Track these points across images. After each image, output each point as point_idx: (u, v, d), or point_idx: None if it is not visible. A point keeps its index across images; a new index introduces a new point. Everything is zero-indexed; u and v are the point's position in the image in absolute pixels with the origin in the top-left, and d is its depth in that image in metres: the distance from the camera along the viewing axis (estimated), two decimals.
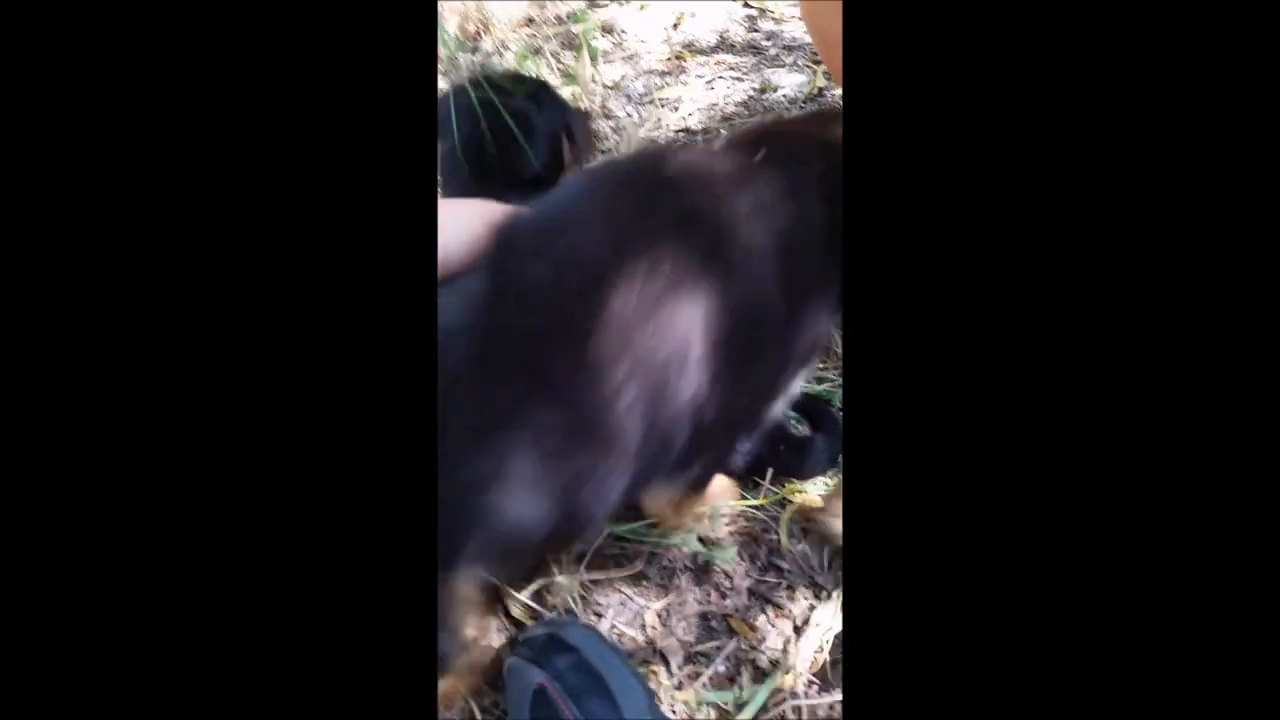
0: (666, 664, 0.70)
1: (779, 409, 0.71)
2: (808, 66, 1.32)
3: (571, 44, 1.38)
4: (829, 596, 0.73)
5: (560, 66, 1.33)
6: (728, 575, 0.75)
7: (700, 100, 1.28)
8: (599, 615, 0.73)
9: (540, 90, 0.96)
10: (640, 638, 0.72)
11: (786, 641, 0.70)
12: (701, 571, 0.75)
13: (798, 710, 0.66)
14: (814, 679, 0.68)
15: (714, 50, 1.38)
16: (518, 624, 0.72)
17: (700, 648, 0.70)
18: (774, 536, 0.77)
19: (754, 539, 0.77)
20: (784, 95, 1.27)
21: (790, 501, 0.79)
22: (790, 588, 0.74)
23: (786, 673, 0.68)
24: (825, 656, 0.69)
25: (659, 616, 0.73)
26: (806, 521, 0.78)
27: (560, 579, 0.74)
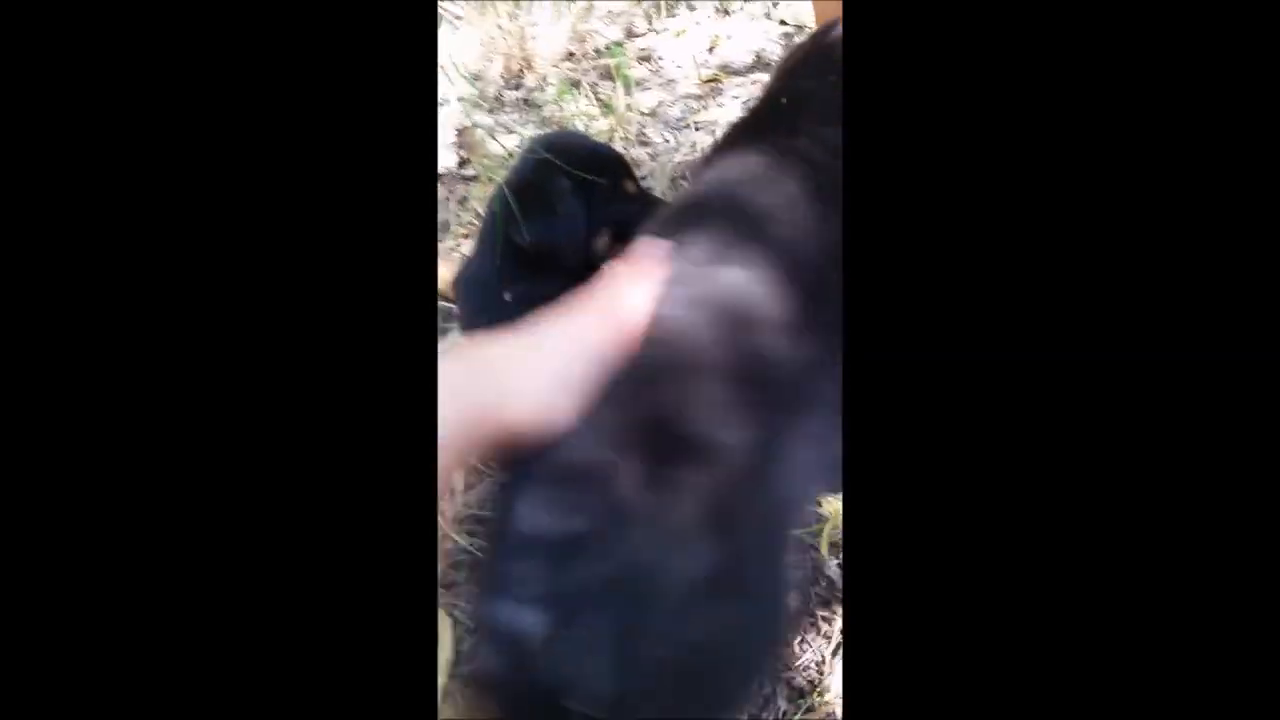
0: None
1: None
2: None
3: (610, 75, 1.42)
4: None
5: (599, 97, 1.37)
6: None
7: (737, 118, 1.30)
8: None
9: (608, 178, 0.95)
10: None
11: (822, 662, 0.70)
12: None
13: None
14: None
15: (750, 70, 1.40)
16: None
17: None
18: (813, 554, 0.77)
19: None
20: None
21: (827, 517, 0.79)
22: (827, 604, 0.73)
23: (822, 694, 0.68)
24: None
25: None
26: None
27: None
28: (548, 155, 0.96)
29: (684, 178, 1.24)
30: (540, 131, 1.32)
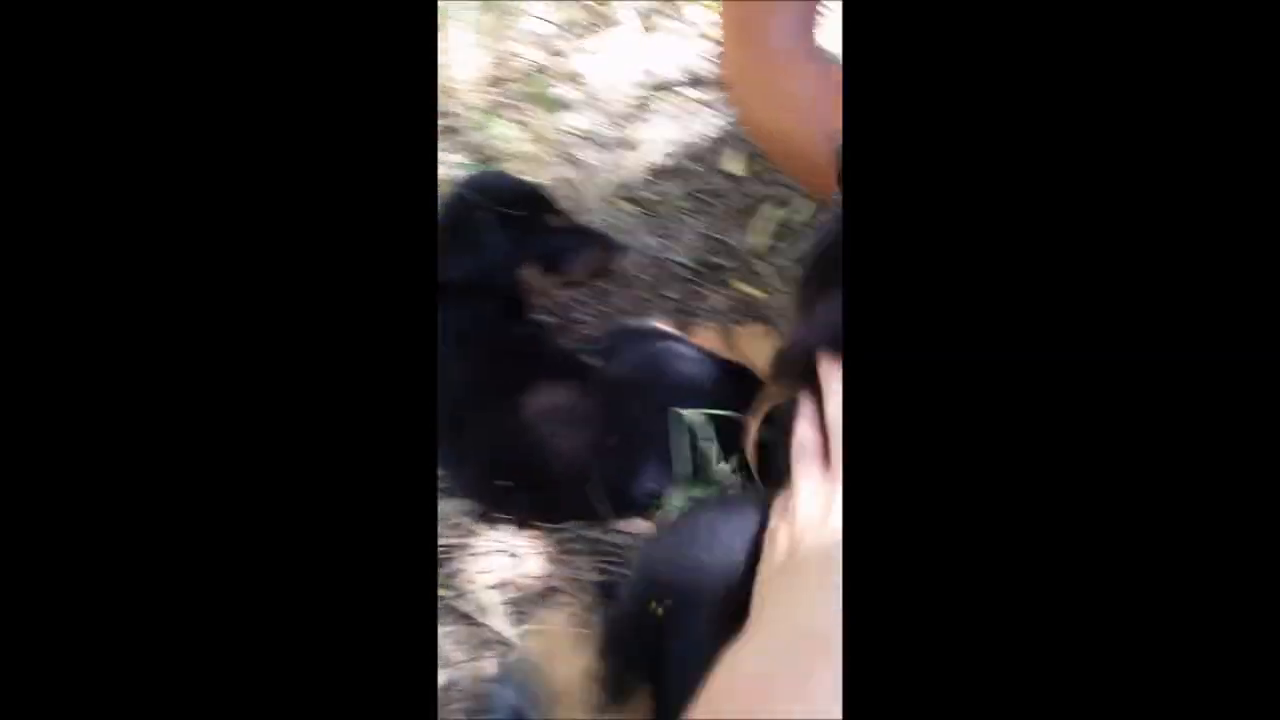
0: None
1: None
2: None
3: (535, 99, 1.39)
4: None
5: (523, 122, 1.35)
6: None
7: (670, 137, 1.28)
8: None
9: (530, 213, 0.98)
10: None
11: None
12: None
13: None
14: None
15: (682, 86, 1.39)
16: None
17: None
18: None
19: None
20: None
21: None
22: None
23: None
24: None
25: None
26: None
27: None
28: (470, 193, 0.97)
29: (617, 197, 1.22)
30: (463, 158, 1.30)
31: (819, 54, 0.83)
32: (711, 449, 0.83)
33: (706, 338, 1.01)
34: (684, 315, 1.08)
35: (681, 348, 0.91)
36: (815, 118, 0.77)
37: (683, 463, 0.84)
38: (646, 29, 1.50)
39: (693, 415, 0.83)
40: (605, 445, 0.88)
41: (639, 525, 0.91)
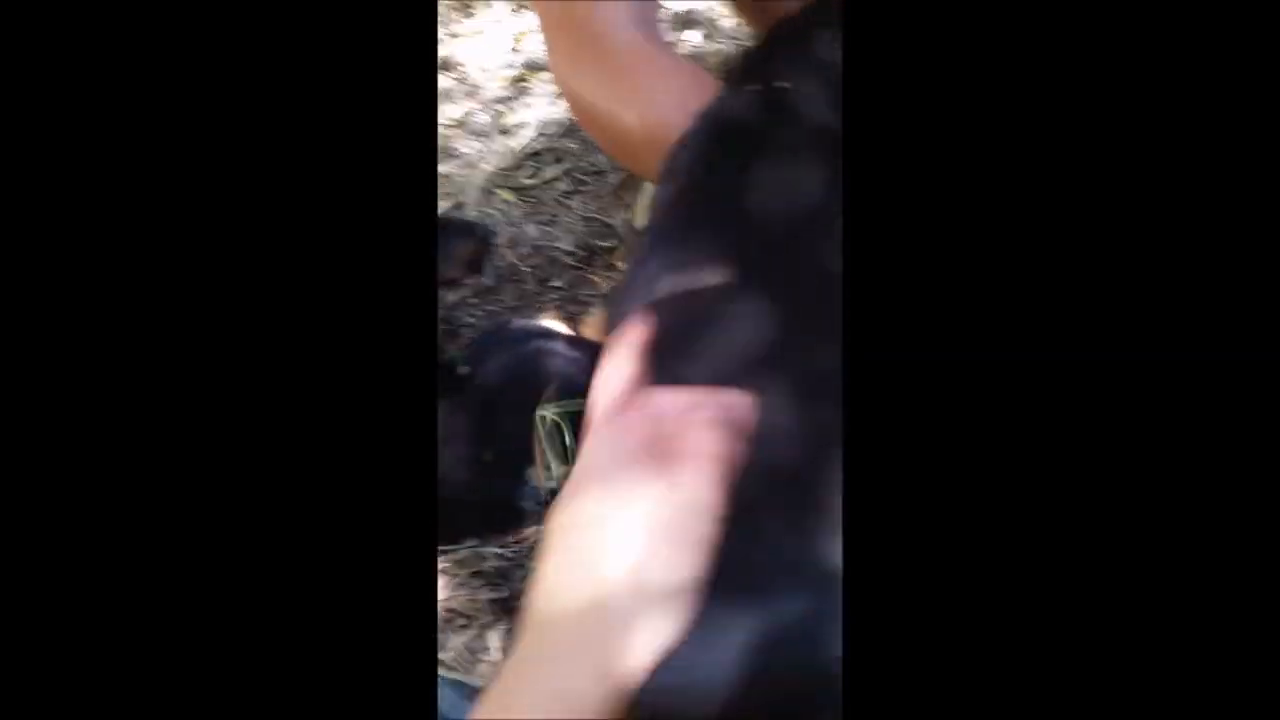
0: None
1: None
2: None
3: None
4: None
5: None
6: None
7: (546, 117, 1.22)
8: None
9: None
10: None
11: None
12: None
13: None
14: None
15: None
16: None
17: None
18: None
19: None
20: None
21: None
22: None
23: None
24: None
25: None
26: None
27: None
28: None
29: (498, 188, 1.16)
30: None
31: (653, 40, 0.78)
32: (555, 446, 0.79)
33: (595, 325, 0.96)
34: (575, 305, 1.03)
35: (551, 344, 0.86)
36: (638, 103, 0.72)
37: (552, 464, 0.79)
38: (518, 7, 1.44)
39: (548, 412, 0.78)
40: (483, 458, 0.83)
41: (536, 535, 0.86)
